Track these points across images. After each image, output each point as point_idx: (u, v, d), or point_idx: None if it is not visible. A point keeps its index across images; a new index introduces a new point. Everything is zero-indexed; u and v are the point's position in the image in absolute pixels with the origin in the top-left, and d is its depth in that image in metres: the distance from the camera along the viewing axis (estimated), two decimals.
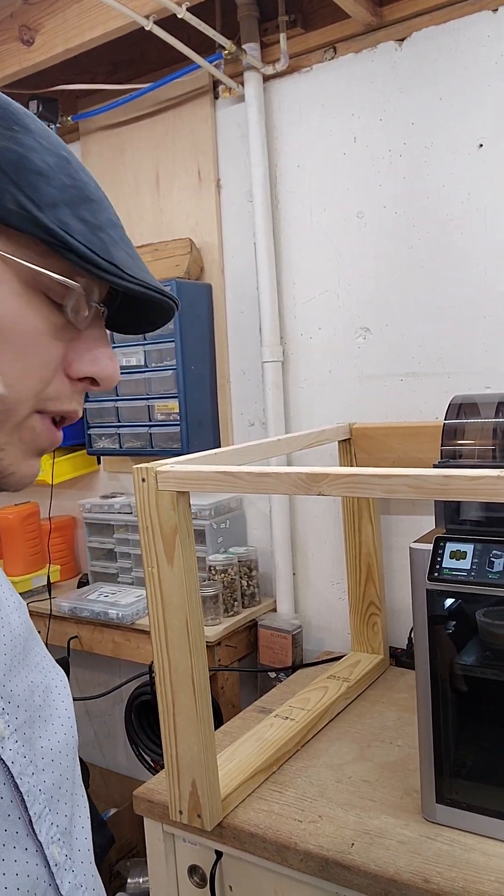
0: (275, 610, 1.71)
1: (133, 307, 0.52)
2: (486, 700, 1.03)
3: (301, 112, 1.58)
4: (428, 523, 1.51)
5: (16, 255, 0.44)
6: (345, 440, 1.51)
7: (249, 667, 1.69)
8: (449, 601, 1.01)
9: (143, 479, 1.00)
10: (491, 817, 0.99)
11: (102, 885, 0.59)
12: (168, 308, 0.51)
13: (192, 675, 1.01)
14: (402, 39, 1.46)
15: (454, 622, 1.03)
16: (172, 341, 1.67)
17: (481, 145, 1.40)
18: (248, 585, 1.68)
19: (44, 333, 0.46)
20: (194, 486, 0.97)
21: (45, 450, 0.49)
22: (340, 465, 1.52)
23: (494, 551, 0.92)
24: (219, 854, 1.10)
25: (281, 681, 1.56)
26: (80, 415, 0.51)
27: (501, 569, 0.91)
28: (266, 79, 1.60)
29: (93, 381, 0.50)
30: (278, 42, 1.55)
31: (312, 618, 1.70)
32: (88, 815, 0.58)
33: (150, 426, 1.74)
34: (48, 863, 0.49)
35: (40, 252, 0.45)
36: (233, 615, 1.63)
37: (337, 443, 1.51)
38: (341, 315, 1.58)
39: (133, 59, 1.80)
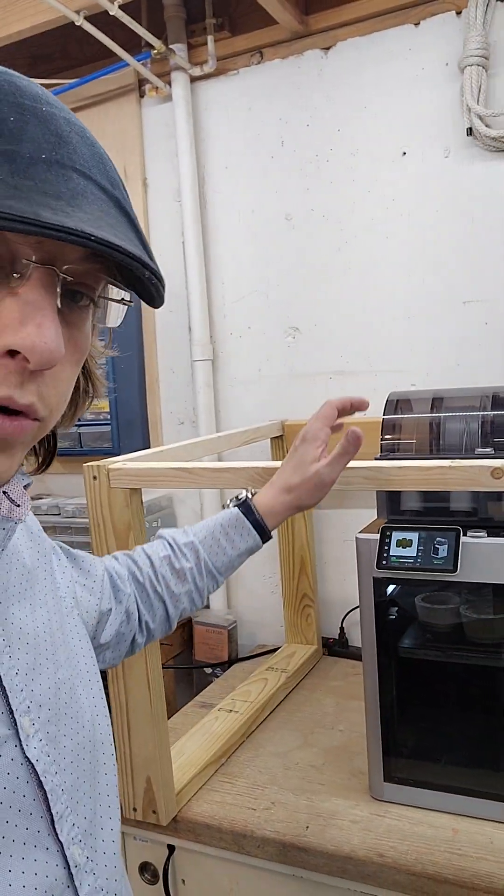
0: (208, 606, 1.72)
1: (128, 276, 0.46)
2: (425, 681, 1.09)
3: (229, 114, 1.61)
4: (356, 516, 1.57)
5: None
6: (277, 437, 1.54)
7: (184, 664, 1.69)
8: (391, 588, 1.06)
9: (95, 477, 0.99)
10: (435, 790, 1.04)
11: (130, 888, 0.58)
12: (132, 267, 0.43)
13: (146, 670, 1.01)
14: (328, 48, 1.50)
15: (396, 608, 1.08)
16: (102, 339, 1.65)
17: (405, 153, 1.46)
18: None
19: None
20: (148, 483, 0.98)
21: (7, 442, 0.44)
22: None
23: (438, 538, 0.97)
24: (171, 849, 1.11)
25: (218, 676, 1.58)
26: (24, 402, 0.42)
27: (446, 555, 0.96)
28: (193, 80, 1.61)
29: (14, 352, 0.41)
30: (206, 44, 1.57)
31: (245, 613, 1.73)
32: (118, 814, 0.57)
33: (79, 426, 1.72)
34: (68, 864, 0.49)
35: None
36: None
37: (269, 440, 1.54)
38: (271, 315, 1.62)
39: (53, 55, 1.77)
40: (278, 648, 1.58)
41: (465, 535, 0.97)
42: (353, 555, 1.58)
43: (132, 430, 1.72)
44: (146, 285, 0.45)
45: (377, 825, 1.01)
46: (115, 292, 0.49)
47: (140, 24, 1.46)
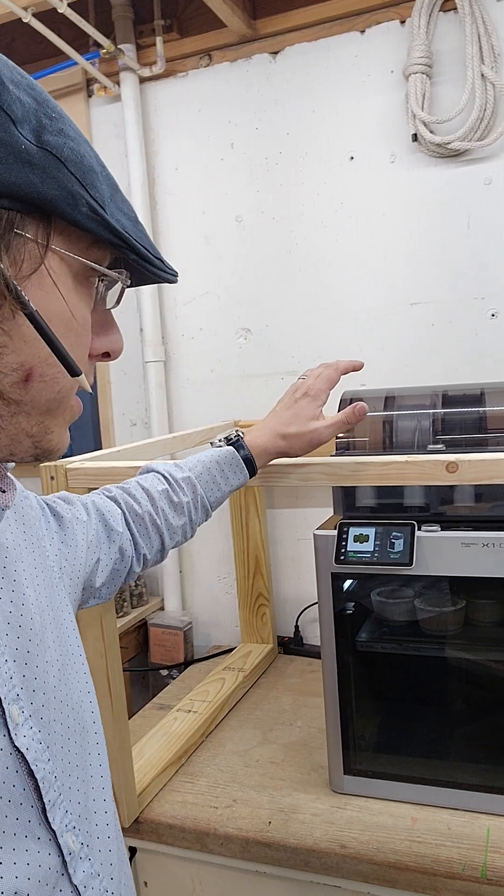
0: (163, 608, 1.72)
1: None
2: (382, 674, 1.11)
3: (178, 116, 1.61)
4: (310, 515, 1.59)
5: (70, 251, 0.45)
6: None
7: (139, 667, 1.69)
8: (349, 583, 1.08)
9: (52, 477, 0.99)
10: (392, 781, 1.07)
11: (130, 871, 0.59)
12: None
13: (106, 673, 1.01)
14: (276, 52, 1.52)
15: (353, 603, 1.10)
16: None
17: (352, 158, 1.49)
18: (136, 585, 1.68)
19: (88, 321, 0.49)
20: (107, 482, 0.97)
21: (74, 420, 0.52)
22: None
23: (394, 533, 1.00)
24: (133, 851, 1.10)
25: (174, 678, 1.57)
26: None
27: (402, 549, 0.98)
28: (142, 80, 1.61)
29: (105, 354, 0.53)
30: (154, 45, 1.57)
31: (200, 614, 1.73)
32: (111, 796, 0.58)
33: None
34: (62, 852, 0.48)
35: (87, 245, 0.46)
36: (122, 616, 1.62)
37: None
38: (222, 316, 1.62)
39: None
40: (234, 648, 1.59)
41: (419, 529, 1.00)
42: (307, 553, 1.62)
43: (83, 432, 1.71)
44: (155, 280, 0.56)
45: (338, 817, 1.03)
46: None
47: (88, 23, 1.45)
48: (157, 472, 0.89)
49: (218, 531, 1.66)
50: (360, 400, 1.20)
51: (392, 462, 0.85)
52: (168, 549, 0.87)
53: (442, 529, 0.99)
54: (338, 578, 1.05)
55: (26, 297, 0.42)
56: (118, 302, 0.52)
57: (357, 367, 1.03)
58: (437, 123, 1.37)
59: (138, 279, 0.54)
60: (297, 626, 1.61)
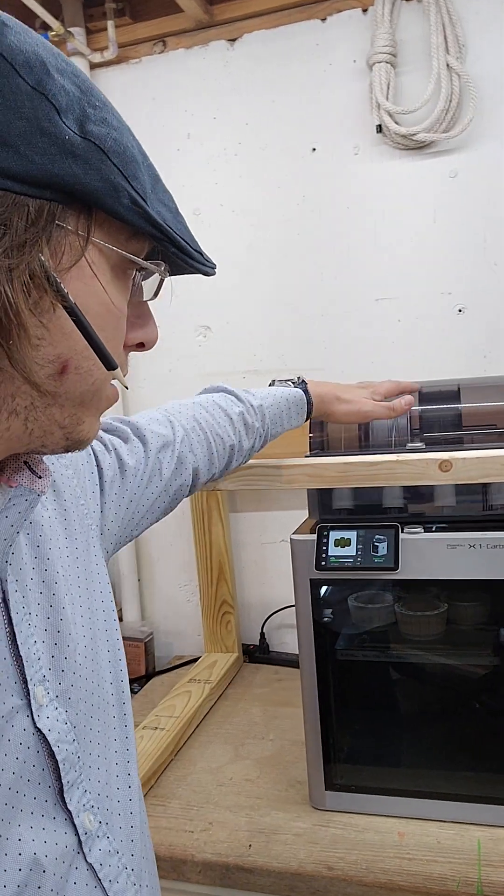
0: (121, 619, 1.64)
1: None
2: (363, 683, 1.07)
3: (131, 104, 1.54)
4: (274, 518, 1.54)
5: (110, 243, 0.44)
6: None
7: None
8: (324, 589, 1.03)
9: None
10: (376, 795, 1.02)
11: (152, 848, 0.61)
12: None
13: None
14: (234, 40, 1.47)
15: (330, 610, 1.05)
16: None
17: (314, 149, 1.44)
18: None
19: (124, 313, 0.48)
20: None
21: (107, 409, 0.51)
22: None
23: (377, 536, 0.95)
24: None
25: (135, 692, 1.50)
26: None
27: (386, 552, 0.94)
28: (93, 66, 1.53)
29: (139, 344, 0.51)
30: (105, 29, 1.49)
31: (161, 623, 1.66)
32: (136, 774, 0.59)
33: None
34: (78, 831, 0.50)
35: (127, 237, 0.45)
36: None
37: None
38: (181, 313, 1.56)
39: None
40: (198, 658, 1.52)
41: (401, 531, 0.96)
42: (271, 558, 1.56)
43: None
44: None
45: (322, 836, 0.98)
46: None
47: (36, 2, 1.37)
48: (230, 393, 0.92)
49: (178, 536, 1.60)
50: None
51: (382, 462, 0.80)
52: (231, 468, 0.91)
53: (425, 531, 0.95)
54: (317, 585, 1.00)
55: (66, 290, 0.41)
56: (156, 294, 0.51)
57: (413, 389, 1.07)
58: (402, 114, 1.34)
59: (175, 270, 0.52)
60: (262, 634, 1.56)
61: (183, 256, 0.47)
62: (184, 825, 1.02)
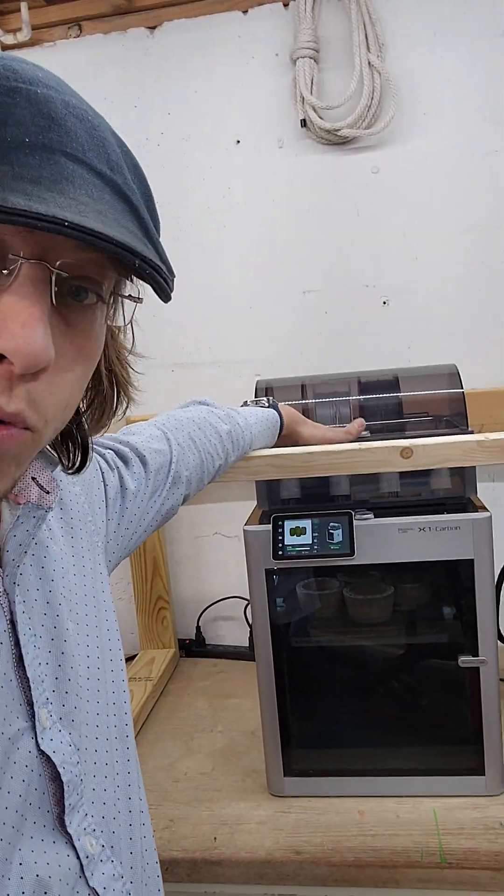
0: None
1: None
2: (316, 669, 1.09)
3: None
4: (207, 511, 1.54)
5: None
6: None
7: None
8: (275, 579, 1.04)
9: None
10: (333, 777, 1.04)
11: (159, 871, 0.60)
12: (120, 256, 0.39)
13: None
14: (154, 28, 1.45)
15: (282, 599, 1.06)
16: None
17: (238, 142, 1.45)
18: None
19: None
20: None
21: None
22: None
23: (332, 523, 0.97)
24: None
25: None
26: (10, 409, 0.38)
27: (341, 539, 0.96)
28: (5, 48, 1.47)
29: (10, 360, 0.37)
30: (18, 10, 1.43)
31: None
32: (142, 796, 0.59)
33: None
34: (79, 855, 0.49)
35: None
36: None
37: None
38: None
39: None
40: (135, 656, 1.50)
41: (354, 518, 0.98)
42: (205, 551, 1.56)
43: None
44: (145, 277, 0.42)
45: (285, 822, 0.99)
46: (128, 288, 0.46)
47: None
48: (218, 411, 0.93)
49: None
50: (272, 388, 1.17)
51: (344, 450, 0.82)
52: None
53: (376, 517, 0.98)
54: (271, 575, 1.01)
55: None
56: (7, 273, 0.39)
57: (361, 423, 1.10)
58: (326, 109, 1.36)
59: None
60: (198, 627, 1.55)
61: None
62: None
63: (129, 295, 0.46)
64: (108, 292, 0.44)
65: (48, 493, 0.49)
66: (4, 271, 0.37)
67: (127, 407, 0.57)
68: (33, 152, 0.37)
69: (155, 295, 0.44)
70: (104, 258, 0.41)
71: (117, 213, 0.40)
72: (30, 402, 0.39)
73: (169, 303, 0.46)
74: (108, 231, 0.37)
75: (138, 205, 0.43)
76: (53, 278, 0.39)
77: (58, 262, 0.39)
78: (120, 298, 0.47)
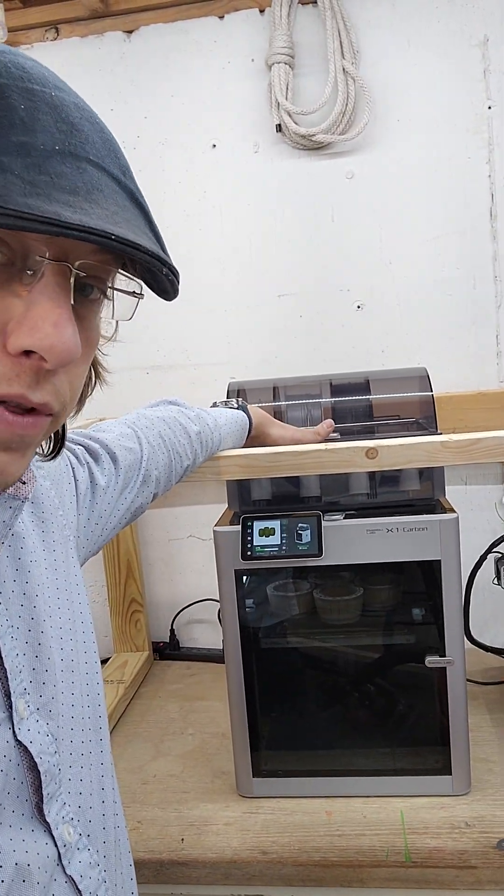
0: None
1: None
2: (285, 670, 1.09)
3: None
4: (179, 514, 1.54)
5: None
6: None
7: None
8: (246, 580, 1.04)
9: None
10: (301, 777, 1.05)
11: (132, 861, 0.61)
12: (151, 265, 0.43)
13: None
14: (131, 31, 1.45)
15: (252, 600, 1.07)
16: None
17: (215, 146, 1.45)
18: None
19: None
20: None
21: (6, 442, 0.41)
22: None
23: (300, 524, 0.98)
24: None
25: None
26: (38, 400, 0.41)
27: (310, 540, 0.96)
28: None
29: (27, 353, 0.39)
30: None
31: None
32: (115, 785, 0.60)
33: None
34: (57, 843, 0.49)
35: None
36: None
37: None
38: None
39: None
40: (108, 659, 1.49)
41: (322, 519, 0.98)
42: (179, 554, 1.56)
43: None
44: (160, 279, 0.45)
45: (253, 823, 0.99)
46: (125, 283, 0.47)
47: None
48: (187, 410, 0.93)
49: None
50: (245, 390, 1.18)
51: (311, 451, 0.82)
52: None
53: (345, 518, 0.99)
54: (241, 576, 1.01)
55: None
56: (35, 278, 0.41)
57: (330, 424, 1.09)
58: (301, 115, 1.37)
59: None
60: (172, 630, 1.55)
61: None
62: None
63: (133, 292, 0.47)
64: (108, 287, 0.47)
65: (24, 483, 0.49)
66: (29, 272, 0.39)
67: (94, 387, 0.58)
68: (65, 160, 0.39)
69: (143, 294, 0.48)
70: (113, 258, 0.44)
71: (139, 222, 0.43)
72: (54, 393, 0.42)
73: (145, 305, 0.48)
74: (142, 242, 0.41)
75: (148, 210, 0.46)
76: (72, 279, 0.41)
77: (77, 263, 0.41)
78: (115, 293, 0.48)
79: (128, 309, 0.48)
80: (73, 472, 0.71)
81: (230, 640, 1.02)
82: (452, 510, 0.98)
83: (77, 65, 1.47)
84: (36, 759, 0.49)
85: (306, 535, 0.97)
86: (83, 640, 0.60)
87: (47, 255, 0.39)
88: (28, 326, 0.39)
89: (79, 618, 0.61)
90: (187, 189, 1.47)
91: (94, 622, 0.63)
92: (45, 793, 0.49)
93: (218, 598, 1.02)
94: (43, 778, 0.49)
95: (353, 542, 0.97)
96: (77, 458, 0.73)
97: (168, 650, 1.54)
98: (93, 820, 0.54)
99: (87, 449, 0.76)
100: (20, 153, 0.37)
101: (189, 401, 1.01)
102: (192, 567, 1.57)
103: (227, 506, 1.10)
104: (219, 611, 1.03)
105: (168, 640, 1.55)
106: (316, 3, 1.36)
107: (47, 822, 0.49)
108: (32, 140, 0.38)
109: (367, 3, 1.37)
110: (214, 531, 1.00)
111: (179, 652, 1.54)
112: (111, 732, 1.22)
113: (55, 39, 1.48)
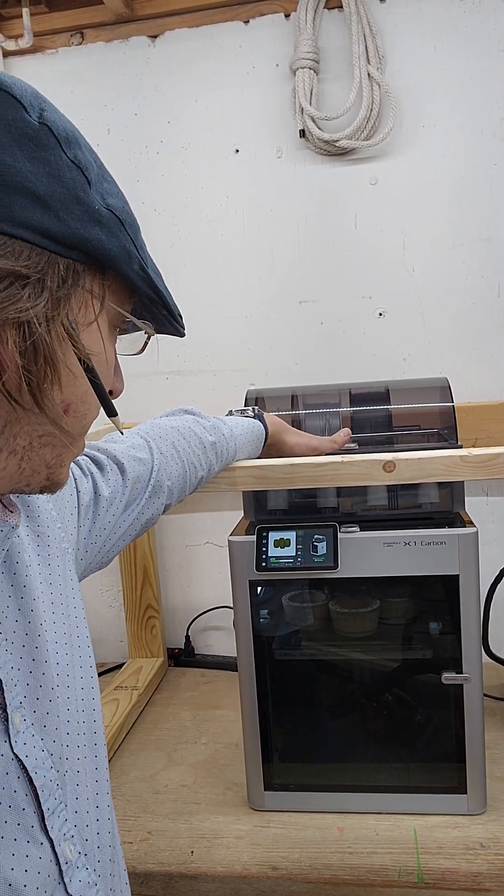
0: None
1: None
2: (299, 682, 1.08)
3: (48, 96, 1.47)
4: (198, 520, 1.53)
5: (116, 303, 0.49)
6: None
7: None
8: (259, 590, 1.03)
9: None
10: (314, 792, 1.03)
11: (127, 880, 0.61)
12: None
13: None
14: (156, 36, 1.45)
15: (266, 611, 1.05)
16: None
17: (238, 150, 1.45)
18: None
19: (114, 364, 0.53)
20: None
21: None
22: None
23: (316, 536, 0.96)
24: None
25: None
26: None
27: (325, 552, 0.95)
28: (6, 54, 1.48)
29: (110, 392, 0.53)
30: (20, 17, 1.44)
31: None
32: (111, 805, 0.59)
33: None
34: (59, 860, 0.49)
35: (127, 296, 0.50)
36: None
37: None
38: None
39: None
40: (122, 665, 1.49)
41: (339, 531, 0.97)
42: (196, 560, 1.56)
43: None
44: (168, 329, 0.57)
45: (263, 837, 0.98)
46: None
47: None
48: (203, 420, 0.93)
49: None
50: (263, 398, 1.17)
51: (327, 463, 0.81)
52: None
53: (361, 530, 0.97)
54: (255, 586, 1.00)
55: (83, 343, 0.46)
56: (143, 349, 0.56)
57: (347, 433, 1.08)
58: (324, 120, 1.36)
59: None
60: (188, 637, 1.54)
61: (170, 318, 0.53)
62: (122, 836, 0.99)
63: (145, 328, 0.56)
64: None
65: (11, 512, 0.52)
66: (118, 330, 0.52)
67: None
68: (150, 257, 0.51)
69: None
70: None
71: None
72: None
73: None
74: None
75: None
76: None
77: None
78: None
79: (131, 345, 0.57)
80: (76, 483, 0.70)
81: (244, 652, 1.01)
82: (472, 524, 0.96)
83: (102, 69, 1.47)
84: (31, 774, 0.48)
85: (322, 548, 0.96)
86: (80, 655, 0.60)
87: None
88: (117, 376, 0.55)
89: (75, 632, 0.60)
90: (210, 194, 1.46)
91: (110, 627, 0.63)
92: (45, 808, 0.49)
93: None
94: (40, 792, 0.49)
95: (369, 555, 0.95)
96: (81, 468, 0.73)
97: (183, 657, 1.53)
98: (90, 838, 0.54)
99: (93, 460, 0.75)
100: (155, 269, 0.51)
101: (208, 407, 1.00)
102: (208, 573, 1.56)
103: (243, 514, 1.10)
104: (234, 619, 1.03)
105: (183, 647, 1.54)
106: (342, 7, 1.35)
107: (51, 838, 0.49)
108: (140, 240, 0.50)
109: (392, 8, 1.35)
110: (229, 541, 1.00)
111: (194, 659, 1.53)
112: (123, 739, 1.22)
113: (80, 44, 1.48)
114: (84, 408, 0.48)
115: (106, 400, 0.48)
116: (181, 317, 0.55)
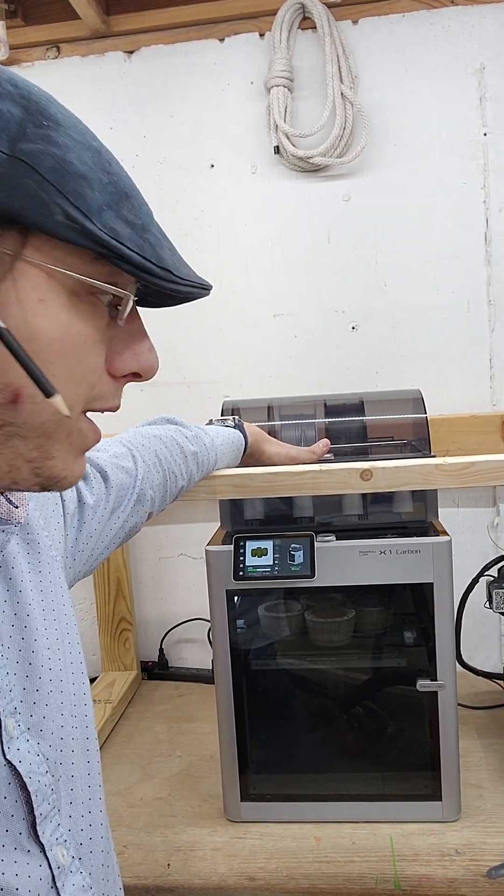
0: None
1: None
2: (275, 692, 1.08)
3: None
4: (172, 531, 1.53)
5: (64, 267, 0.42)
6: None
7: None
8: (237, 601, 1.04)
9: None
10: (290, 802, 1.03)
11: (121, 884, 0.61)
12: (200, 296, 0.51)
13: None
14: (132, 52, 1.46)
15: (242, 621, 1.06)
16: None
17: (213, 165, 1.46)
18: None
19: (91, 339, 0.45)
20: None
21: (91, 447, 0.49)
22: None
23: (293, 545, 0.97)
24: None
25: None
26: (120, 406, 0.51)
27: (302, 561, 0.96)
28: None
29: (134, 374, 0.49)
30: None
31: None
32: (105, 810, 0.59)
33: None
34: (51, 865, 0.49)
35: (87, 259, 0.43)
36: None
37: None
38: None
39: None
40: (96, 678, 1.48)
41: (315, 540, 0.98)
42: (169, 572, 1.55)
43: None
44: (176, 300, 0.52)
45: (240, 848, 0.98)
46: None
47: None
48: (185, 429, 0.92)
49: None
50: (239, 409, 1.17)
51: (306, 471, 0.82)
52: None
53: (337, 539, 0.98)
54: (233, 595, 1.00)
55: None
56: (121, 318, 0.47)
57: (326, 443, 1.10)
58: (298, 137, 1.38)
59: (163, 300, 0.52)
60: (161, 650, 1.54)
61: (142, 274, 0.44)
62: None
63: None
64: None
65: (17, 507, 0.50)
66: (119, 307, 0.46)
67: None
68: (151, 220, 0.47)
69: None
70: None
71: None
72: None
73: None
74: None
75: None
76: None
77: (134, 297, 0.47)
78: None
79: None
80: (60, 492, 0.70)
81: (220, 661, 1.01)
82: (445, 533, 0.98)
83: (77, 84, 1.48)
84: (25, 779, 0.48)
85: (299, 556, 0.96)
86: (72, 661, 0.60)
87: (132, 292, 0.46)
88: (131, 354, 0.48)
89: (66, 638, 0.60)
90: (185, 208, 1.48)
91: (82, 640, 0.62)
92: (37, 813, 0.48)
93: (208, 618, 1.01)
94: (34, 797, 0.48)
95: (345, 563, 0.96)
96: None
97: (157, 670, 1.52)
98: (84, 843, 0.53)
99: None
100: (150, 221, 0.47)
101: (183, 419, 1.00)
102: (182, 586, 1.56)
103: (218, 524, 1.10)
104: (209, 630, 1.03)
105: (157, 660, 1.53)
106: (315, 28, 1.38)
107: (42, 843, 0.48)
108: (136, 202, 0.46)
109: (365, 30, 1.39)
110: (206, 550, 1.00)
111: (168, 672, 1.52)
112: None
113: (56, 58, 1.49)
114: (40, 394, 0.42)
115: (35, 376, 0.40)
116: (170, 271, 0.46)
